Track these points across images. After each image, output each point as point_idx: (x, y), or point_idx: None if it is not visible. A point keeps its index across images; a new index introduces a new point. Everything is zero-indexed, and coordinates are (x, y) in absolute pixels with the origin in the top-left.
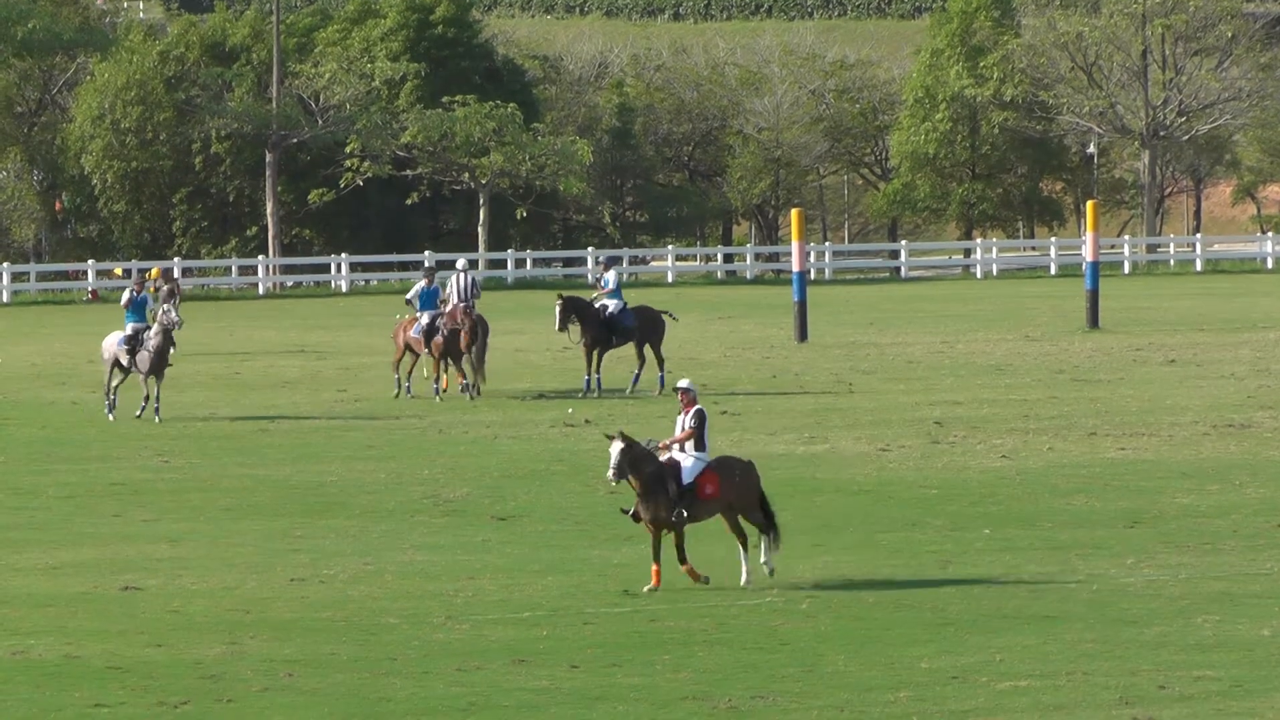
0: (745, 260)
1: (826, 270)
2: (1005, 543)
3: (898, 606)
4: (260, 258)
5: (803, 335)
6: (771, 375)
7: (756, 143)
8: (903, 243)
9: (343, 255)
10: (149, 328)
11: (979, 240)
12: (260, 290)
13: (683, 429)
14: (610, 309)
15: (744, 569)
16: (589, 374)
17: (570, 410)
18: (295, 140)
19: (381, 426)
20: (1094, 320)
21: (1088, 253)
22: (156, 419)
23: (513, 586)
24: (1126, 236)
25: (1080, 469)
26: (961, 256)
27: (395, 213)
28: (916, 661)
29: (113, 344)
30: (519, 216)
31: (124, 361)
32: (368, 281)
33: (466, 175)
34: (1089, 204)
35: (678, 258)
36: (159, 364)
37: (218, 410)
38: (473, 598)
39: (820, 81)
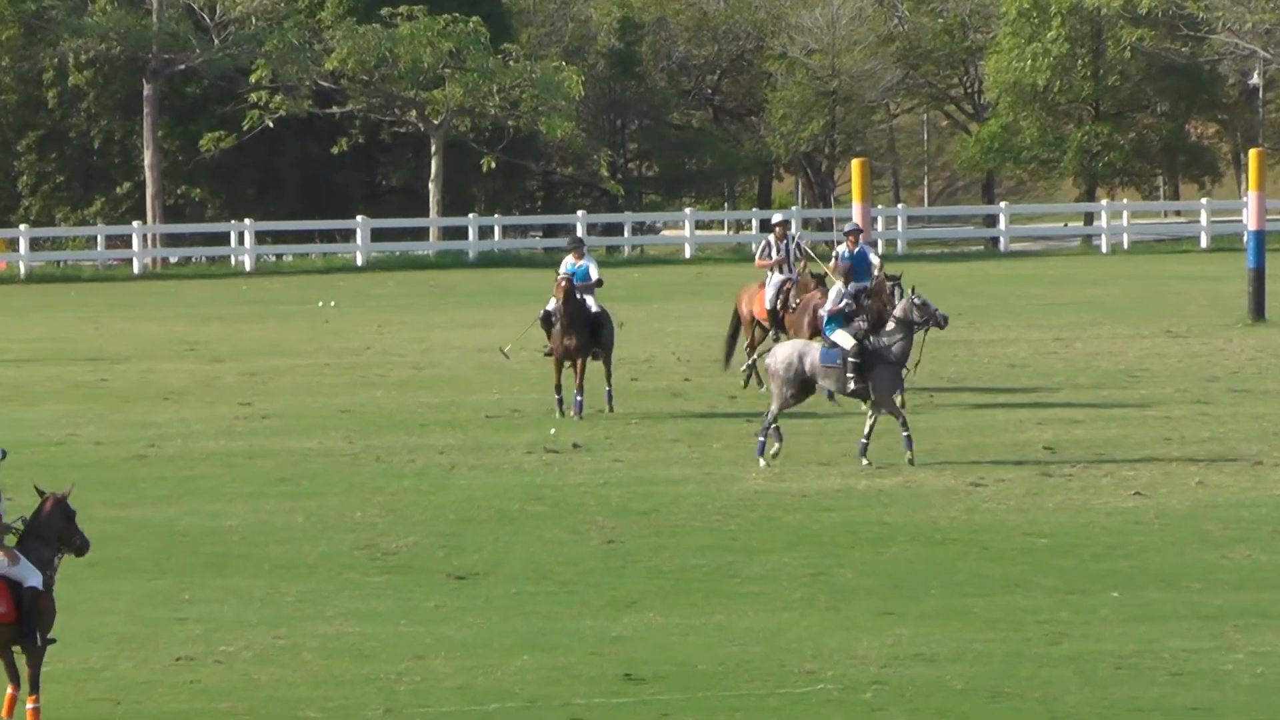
0: (790, 228)
1: (900, 241)
2: (1139, 610)
3: (994, 695)
4: (135, 225)
5: None
6: None
7: (805, 70)
8: (1002, 205)
9: (246, 221)
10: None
11: (1104, 202)
12: (135, 268)
13: None
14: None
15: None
16: None
17: (553, 431)
18: (183, 67)
19: (298, 452)
20: (1259, 310)
21: (1250, 219)
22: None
23: (475, 669)
24: None
25: (1241, 510)
26: (1081, 223)
27: (317, 164)
28: None
29: (801, 356)
30: (485, 169)
31: (831, 383)
32: (280, 257)
33: (413, 113)
34: (1252, 153)
35: (699, 224)
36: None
37: (79, 430)
38: (421, 683)
39: None
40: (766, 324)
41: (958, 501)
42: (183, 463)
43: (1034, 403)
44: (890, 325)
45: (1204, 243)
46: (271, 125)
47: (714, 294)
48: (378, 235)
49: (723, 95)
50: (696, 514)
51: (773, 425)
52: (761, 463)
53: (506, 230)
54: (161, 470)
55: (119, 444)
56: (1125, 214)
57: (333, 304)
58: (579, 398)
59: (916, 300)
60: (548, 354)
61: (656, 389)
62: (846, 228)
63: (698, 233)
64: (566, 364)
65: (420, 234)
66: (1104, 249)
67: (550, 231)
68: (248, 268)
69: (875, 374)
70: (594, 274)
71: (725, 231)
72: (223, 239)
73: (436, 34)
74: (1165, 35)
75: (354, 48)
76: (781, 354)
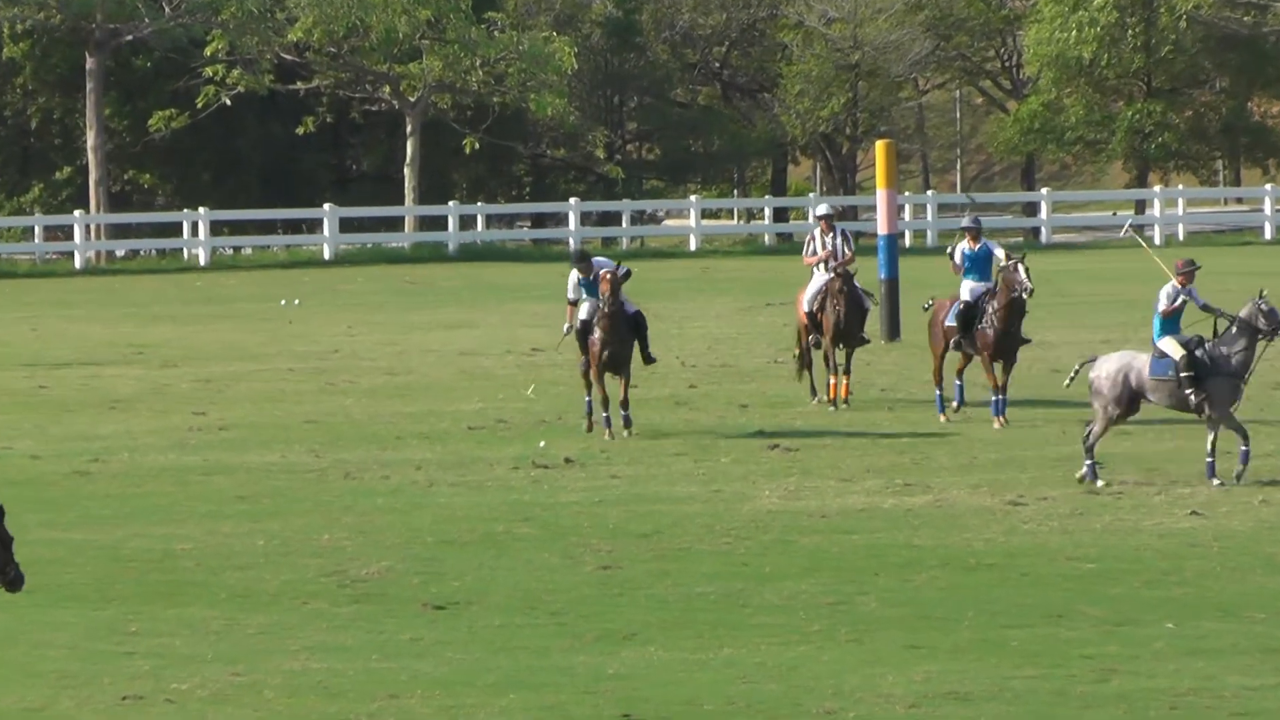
0: (806, 217)
1: (930, 232)
2: (1196, 642)
3: None
4: (77, 214)
5: (893, 332)
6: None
7: (823, 41)
8: (1043, 191)
9: (201, 210)
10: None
11: (1157, 188)
12: (77, 263)
13: None
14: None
15: None
16: (958, 381)
17: (542, 444)
18: (130, 38)
19: (258, 468)
20: None
21: None
22: None
23: (456, 709)
24: None
25: None
26: (1132, 212)
27: (280, 146)
28: None
29: (1129, 369)
30: (467, 151)
31: (1163, 398)
32: (238, 249)
33: (387, 89)
34: None
35: (705, 213)
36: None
37: (14, 442)
38: None
39: None
40: (807, 328)
41: (994, 522)
42: (130, 479)
43: (1078, 411)
44: (1232, 331)
45: (1268, 234)
46: (229, 103)
47: (722, 291)
48: (347, 225)
49: (732, 69)
50: (703, 536)
51: (1094, 448)
52: (1099, 484)
53: (491, 220)
54: (106, 488)
55: (59, 458)
56: (1181, 201)
57: (297, 302)
58: (625, 412)
59: (1264, 306)
60: (585, 370)
61: (659, 397)
62: (965, 223)
63: (704, 222)
64: (609, 374)
65: (395, 224)
66: (1157, 240)
67: (539, 221)
68: (202, 261)
69: (1211, 387)
70: (619, 270)
71: (735, 221)
72: (174, 230)
73: (412, 1)
74: (1224, 3)
75: (320, 16)
76: (1107, 367)
